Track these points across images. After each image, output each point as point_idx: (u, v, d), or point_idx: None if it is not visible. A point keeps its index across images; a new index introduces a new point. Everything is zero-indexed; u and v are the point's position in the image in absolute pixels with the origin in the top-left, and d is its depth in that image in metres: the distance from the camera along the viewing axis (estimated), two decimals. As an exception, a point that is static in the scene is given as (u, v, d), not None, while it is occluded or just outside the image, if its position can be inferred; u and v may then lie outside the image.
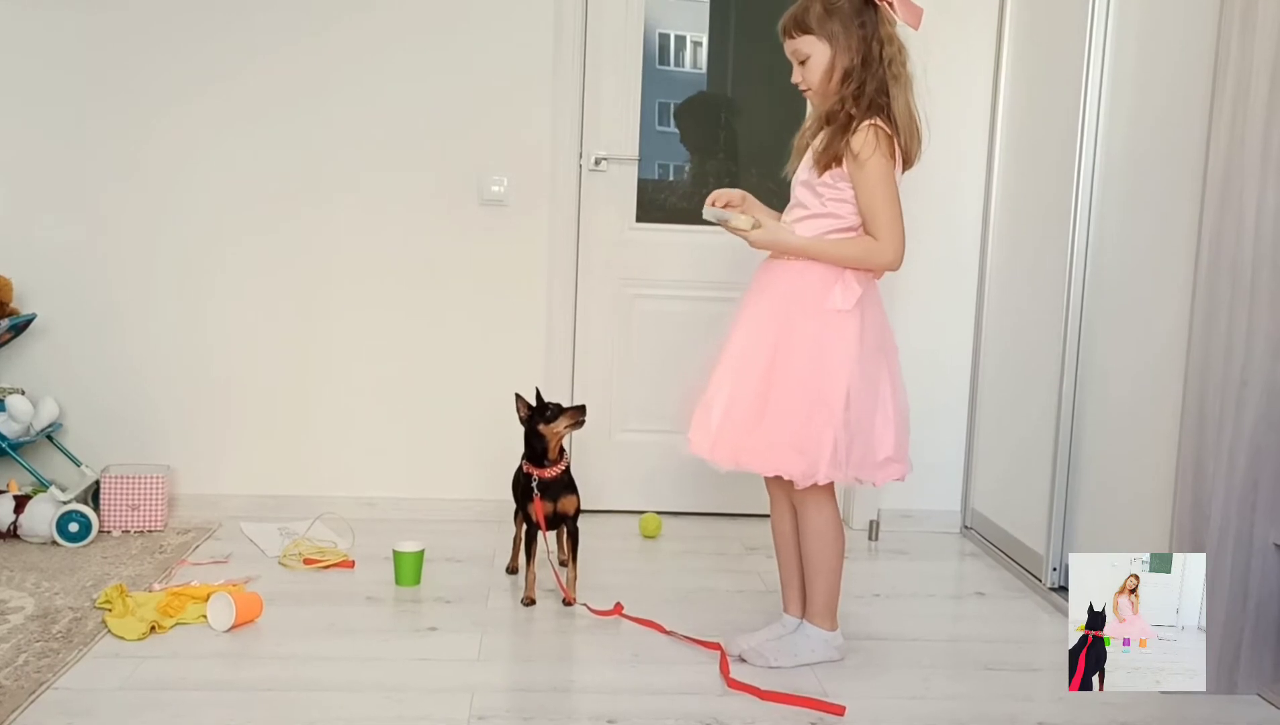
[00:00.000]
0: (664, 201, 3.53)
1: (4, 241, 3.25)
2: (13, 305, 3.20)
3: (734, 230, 2.31)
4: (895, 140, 2.22)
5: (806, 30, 2.24)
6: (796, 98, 3.44)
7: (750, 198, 2.41)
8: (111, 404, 3.33)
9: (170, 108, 3.28)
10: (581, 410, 2.73)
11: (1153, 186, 2.59)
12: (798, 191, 2.33)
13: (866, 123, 2.19)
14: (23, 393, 3.17)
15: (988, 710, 2.23)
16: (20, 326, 3.21)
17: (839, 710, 2.16)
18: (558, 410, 2.72)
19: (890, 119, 2.22)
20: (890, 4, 2.23)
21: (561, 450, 2.75)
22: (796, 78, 2.30)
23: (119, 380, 3.33)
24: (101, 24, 3.23)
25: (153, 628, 2.43)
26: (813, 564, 2.37)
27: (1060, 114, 2.90)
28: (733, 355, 2.33)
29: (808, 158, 2.31)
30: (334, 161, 3.32)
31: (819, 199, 2.27)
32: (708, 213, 2.33)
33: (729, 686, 2.26)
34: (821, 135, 2.27)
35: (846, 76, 2.22)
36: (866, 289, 2.28)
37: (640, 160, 3.44)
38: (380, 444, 3.41)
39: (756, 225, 2.30)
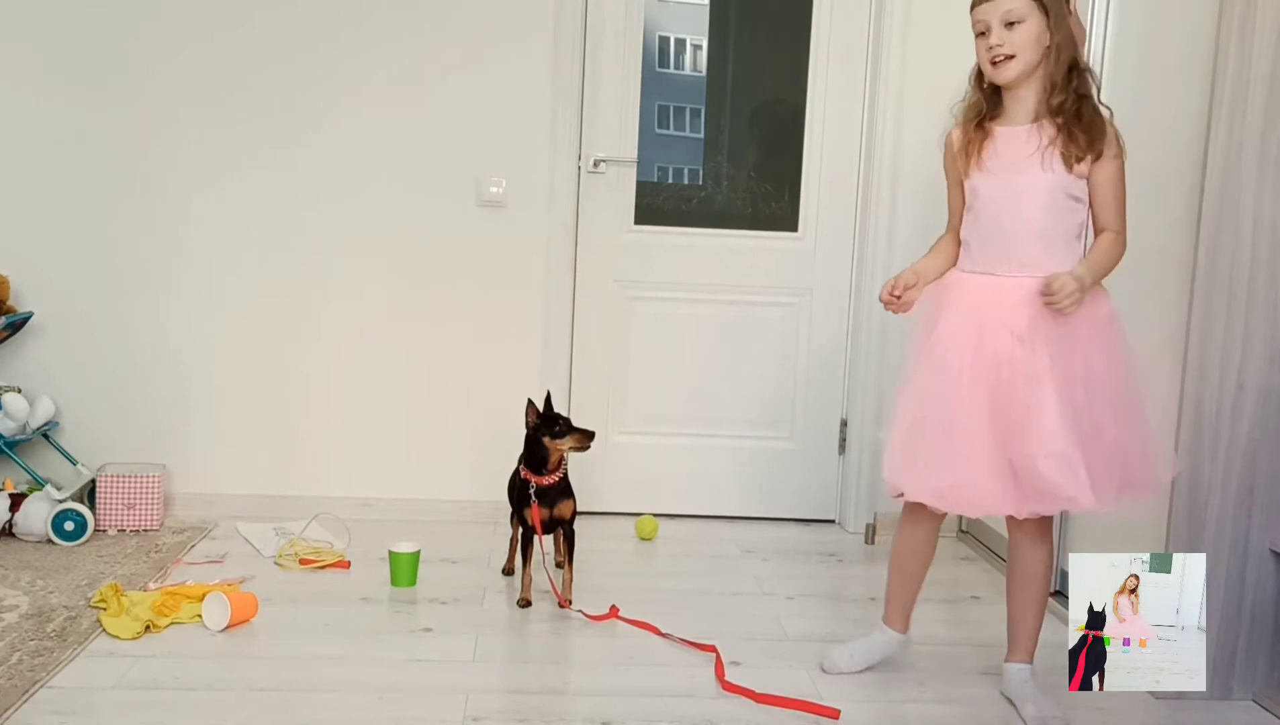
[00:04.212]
0: (663, 204, 3.53)
1: (1, 240, 3.25)
2: (10, 303, 3.19)
3: (1065, 308, 2.04)
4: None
5: None
6: (796, 99, 3.48)
7: (921, 273, 2.24)
8: (108, 403, 3.33)
9: (167, 109, 3.27)
10: (589, 436, 2.71)
11: (1151, 193, 2.59)
12: (1056, 202, 2.11)
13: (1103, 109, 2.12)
14: (19, 391, 3.17)
15: (983, 714, 2.23)
16: (17, 325, 3.21)
17: (834, 714, 2.16)
18: (566, 427, 2.71)
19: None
20: None
21: (560, 460, 2.75)
22: (997, 41, 2.07)
23: (115, 379, 3.33)
24: (102, 25, 3.23)
25: (147, 627, 2.43)
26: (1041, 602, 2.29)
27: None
28: (1053, 387, 2.05)
29: (1043, 159, 2.10)
30: (332, 162, 3.31)
31: (1076, 213, 2.13)
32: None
33: (724, 689, 2.26)
34: (1060, 132, 2.09)
35: (1059, 54, 2.07)
36: None
37: (639, 162, 3.45)
38: (377, 444, 3.41)
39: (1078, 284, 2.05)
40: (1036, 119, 2.13)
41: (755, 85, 3.62)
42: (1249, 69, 2.18)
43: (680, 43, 3.53)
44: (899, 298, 2.21)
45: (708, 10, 3.53)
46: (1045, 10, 2.07)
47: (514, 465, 2.83)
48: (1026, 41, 2.07)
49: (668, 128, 3.54)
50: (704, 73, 3.57)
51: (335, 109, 3.30)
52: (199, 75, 3.27)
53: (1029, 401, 2.05)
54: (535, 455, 2.72)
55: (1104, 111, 2.12)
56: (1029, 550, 2.25)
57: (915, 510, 2.27)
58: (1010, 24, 2.07)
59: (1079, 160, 2.08)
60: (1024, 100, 2.15)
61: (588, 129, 3.40)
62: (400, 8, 3.29)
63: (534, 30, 3.31)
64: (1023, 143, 2.13)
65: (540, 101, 3.33)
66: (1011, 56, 2.08)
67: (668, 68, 3.52)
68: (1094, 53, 2.77)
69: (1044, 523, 2.22)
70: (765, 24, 3.53)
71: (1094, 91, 2.14)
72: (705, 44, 3.54)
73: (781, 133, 3.53)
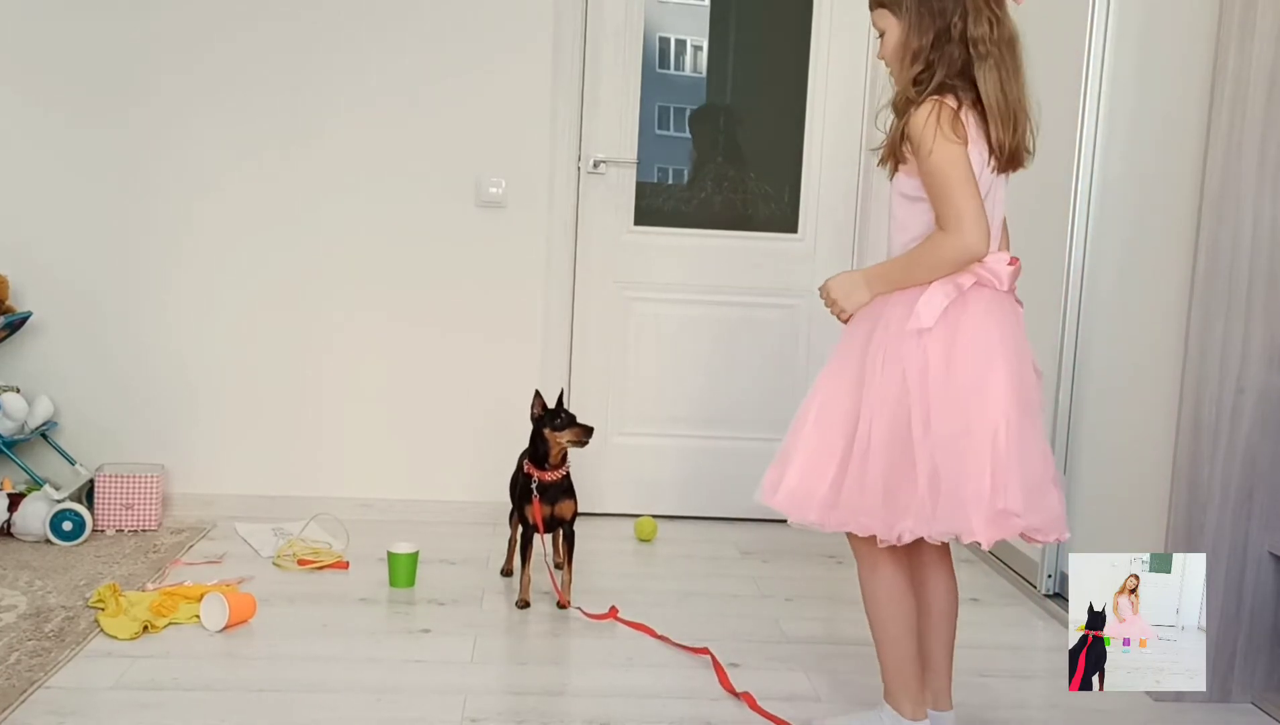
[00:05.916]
0: (662, 205, 3.53)
1: (1, 239, 3.25)
2: (9, 303, 3.19)
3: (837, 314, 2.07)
4: (975, 124, 1.87)
5: (881, 3, 1.96)
6: (796, 101, 3.48)
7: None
8: (106, 403, 3.32)
9: (170, 111, 3.27)
10: (588, 431, 2.72)
11: (1150, 195, 2.59)
12: (894, 205, 1.99)
13: (929, 101, 1.86)
14: (18, 391, 3.16)
15: (982, 717, 2.23)
16: (16, 324, 3.20)
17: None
18: (568, 421, 2.72)
19: (976, 103, 1.87)
20: None
21: (564, 456, 2.75)
22: (878, 52, 2.01)
23: (114, 379, 3.32)
24: (105, 28, 3.22)
25: (145, 627, 2.43)
26: (873, 633, 2.04)
27: (1058, 124, 2.89)
28: (817, 403, 2.04)
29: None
30: (332, 163, 3.31)
31: (914, 214, 1.94)
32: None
33: (727, 692, 2.26)
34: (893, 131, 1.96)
35: (915, 58, 1.90)
36: (964, 301, 1.89)
37: (639, 163, 3.45)
38: (376, 445, 3.40)
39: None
40: None
41: (755, 85, 3.62)
42: (1249, 69, 2.18)
43: (680, 43, 3.53)
44: None
45: (708, 10, 3.52)
46: (902, 14, 1.93)
47: (514, 465, 2.83)
48: (889, 51, 1.96)
49: (668, 128, 3.54)
50: (704, 73, 3.56)
51: (336, 110, 3.30)
52: (202, 78, 3.26)
53: None
54: (537, 447, 2.73)
55: (925, 107, 1.85)
56: None
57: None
58: (880, 35, 1.98)
59: (897, 160, 1.93)
60: None
61: (587, 130, 3.40)
62: (400, 9, 3.29)
63: (534, 31, 3.31)
64: None
65: (540, 102, 3.33)
66: (889, 68, 2.00)
67: (668, 68, 3.52)
68: (1093, 54, 2.77)
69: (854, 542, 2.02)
70: (765, 24, 3.53)
71: (985, 76, 1.87)
72: (705, 44, 3.54)
73: (781, 133, 3.53)
